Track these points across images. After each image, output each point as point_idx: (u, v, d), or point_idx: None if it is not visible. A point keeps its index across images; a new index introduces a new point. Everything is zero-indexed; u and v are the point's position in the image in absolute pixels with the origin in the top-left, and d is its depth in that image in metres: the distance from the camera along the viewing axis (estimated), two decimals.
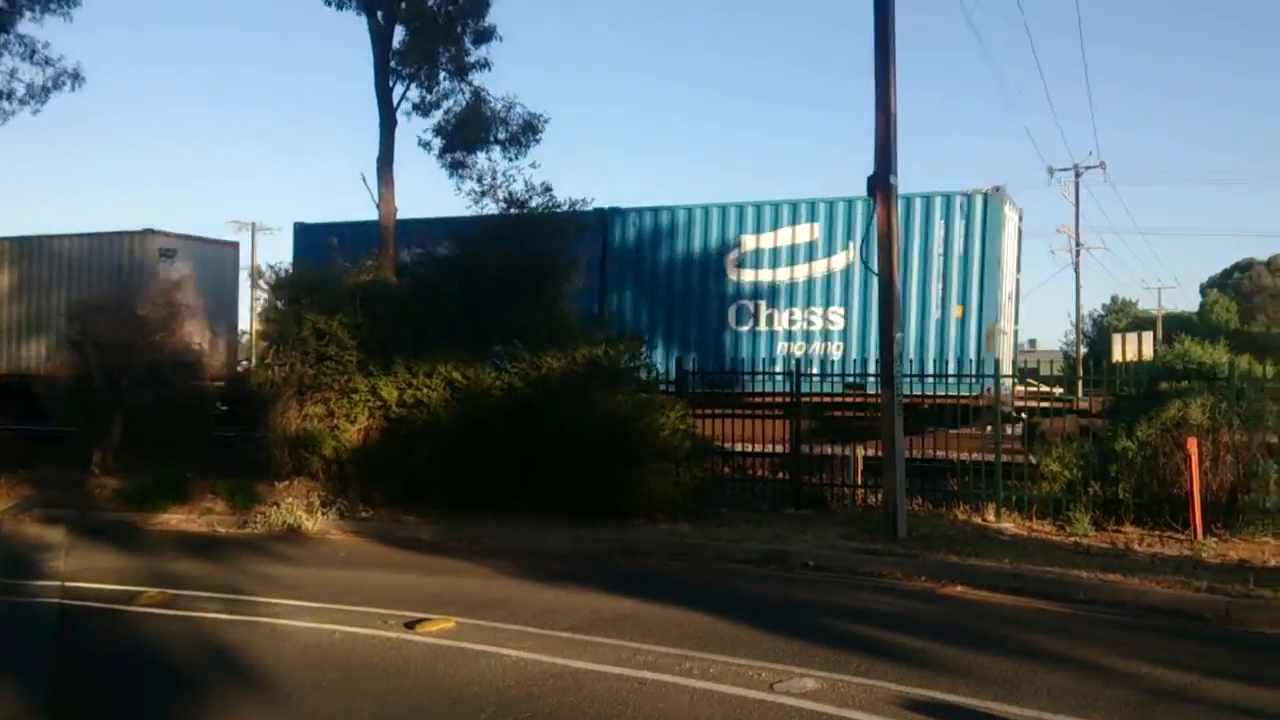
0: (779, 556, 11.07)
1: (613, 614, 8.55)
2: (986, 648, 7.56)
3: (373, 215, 16.50)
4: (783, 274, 18.24)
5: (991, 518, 12.91)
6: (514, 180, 15.39)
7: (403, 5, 16.26)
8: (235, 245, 24.87)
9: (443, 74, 16.92)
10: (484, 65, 16.97)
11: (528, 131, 17.02)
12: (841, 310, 17.91)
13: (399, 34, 16.58)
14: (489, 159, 16.73)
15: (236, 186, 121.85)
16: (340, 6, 16.56)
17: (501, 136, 16.91)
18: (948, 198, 17.41)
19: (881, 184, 12.08)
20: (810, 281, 18.10)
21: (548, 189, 15.18)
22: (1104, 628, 8.47)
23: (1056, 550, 11.20)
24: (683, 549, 11.60)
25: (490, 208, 15.36)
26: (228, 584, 9.72)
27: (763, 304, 18.32)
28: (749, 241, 18.52)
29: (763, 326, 18.30)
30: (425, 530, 12.70)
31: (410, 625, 7.99)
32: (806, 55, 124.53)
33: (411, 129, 17.31)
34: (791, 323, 18.13)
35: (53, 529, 13.07)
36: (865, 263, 12.26)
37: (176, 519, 13.65)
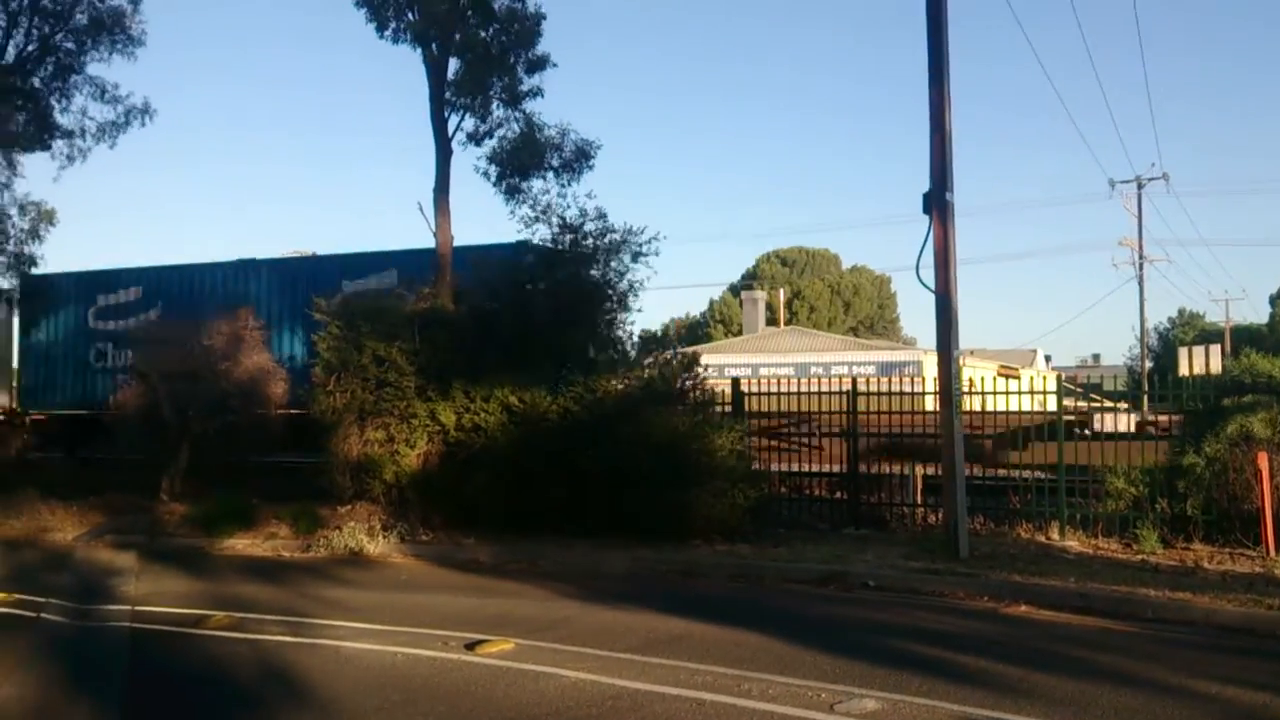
0: (838, 577, 10.98)
1: (671, 635, 8.55)
2: (1052, 668, 7.44)
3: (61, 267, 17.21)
4: None
5: (1055, 536, 12.71)
6: (568, 206, 15.54)
7: (457, 37, 16.50)
8: (11, 294, 24.78)
9: (496, 103, 17.14)
10: (536, 93, 17.17)
11: (580, 158, 17.15)
12: None
13: (453, 65, 16.85)
14: (544, 183, 16.90)
15: (294, 213, 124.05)
16: (396, 40, 16.87)
17: (555, 163, 17.05)
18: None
19: (938, 201, 12.02)
20: None
21: (601, 214, 15.28)
22: (1173, 647, 8.31)
23: (1123, 568, 10.99)
24: (740, 570, 11.56)
25: (543, 233, 15.50)
26: (292, 607, 9.87)
27: None
28: None
29: None
30: (484, 553, 12.80)
31: (470, 647, 8.06)
32: (857, 73, 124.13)
33: (467, 156, 17.53)
34: None
35: (123, 554, 13.37)
36: (920, 280, 12.17)
37: (242, 544, 13.91)
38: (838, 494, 15.09)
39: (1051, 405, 14.04)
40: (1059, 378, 14.79)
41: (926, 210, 12.13)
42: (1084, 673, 7.32)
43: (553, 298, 14.82)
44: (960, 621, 9.28)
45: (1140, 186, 44.49)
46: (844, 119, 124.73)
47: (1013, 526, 13.17)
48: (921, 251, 12.16)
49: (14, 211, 22.42)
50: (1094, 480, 13.05)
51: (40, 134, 21.77)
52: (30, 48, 21.30)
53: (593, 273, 15.08)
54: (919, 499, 14.34)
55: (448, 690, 7.00)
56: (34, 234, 22.92)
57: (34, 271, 23.37)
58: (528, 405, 13.76)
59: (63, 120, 21.90)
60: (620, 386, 14.01)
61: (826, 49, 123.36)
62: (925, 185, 12.16)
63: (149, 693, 7.35)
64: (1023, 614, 9.57)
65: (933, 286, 12.11)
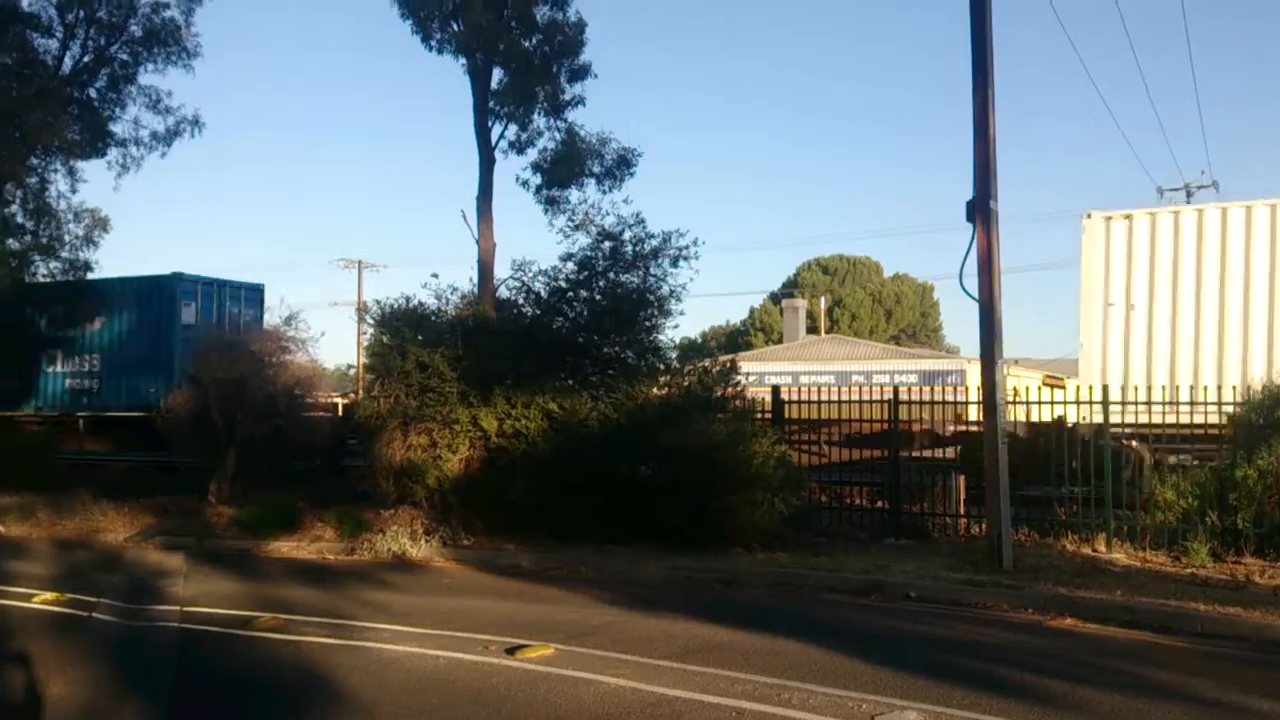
0: (879, 587, 10.92)
1: (710, 643, 8.55)
2: (1098, 682, 7.35)
3: None
4: None
5: (1102, 548, 12.54)
6: (607, 214, 15.61)
7: (501, 47, 16.68)
8: None
9: (538, 112, 17.28)
10: (578, 102, 17.31)
11: (622, 165, 17.28)
12: None
13: (496, 75, 17.01)
14: (581, 193, 17.01)
15: (340, 224, 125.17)
16: (440, 50, 17.09)
17: (596, 170, 17.18)
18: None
19: (981, 209, 11.93)
20: None
21: (640, 220, 15.32)
22: (1223, 662, 8.17)
23: (1172, 582, 10.82)
24: (780, 578, 11.52)
25: (582, 241, 15.58)
26: (336, 610, 9.97)
27: None
28: None
29: None
30: (525, 558, 12.86)
31: (511, 651, 8.10)
32: (900, 79, 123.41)
33: (508, 166, 17.71)
34: None
35: (173, 556, 13.60)
36: (964, 288, 12.09)
37: (288, 546, 14.08)
38: (879, 503, 15.01)
39: (1098, 415, 13.87)
40: (1105, 387, 14.59)
41: (970, 218, 12.03)
42: (1131, 687, 7.22)
43: (593, 305, 14.88)
44: (1004, 634, 9.19)
45: (1189, 194, 43.73)
46: (888, 126, 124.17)
47: (1058, 538, 13.01)
48: (965, 259, 12.08)
49: (70, 219, 22.97)
50: (1141, 492, 12.88)
51: (95, 142, 22.33)
52: (86, 59, 21.86)
53: (632, 279, 15.12)
54: (961, 509, 14.23)
55: (488, 695, 7.05)
56: (89, 240, 23.47)
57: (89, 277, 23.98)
58: (568, 412, 13.82)
59: (117, 129, 22.49)
60: (660, 394, 14.02)
61: (867, 55, 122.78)
62: (969, 192, 12.09)
63: (196, 693, 7.46)
64: (1068, 627, 9.46)
65: (976, 295, 12.03)
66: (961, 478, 14.28)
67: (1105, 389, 14.11)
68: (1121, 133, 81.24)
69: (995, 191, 11.98)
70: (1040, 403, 14.80)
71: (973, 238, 12.03)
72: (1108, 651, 8.53)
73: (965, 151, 12.11)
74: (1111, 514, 12.76)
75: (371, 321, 15.48)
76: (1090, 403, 14.07)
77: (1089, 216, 16.65)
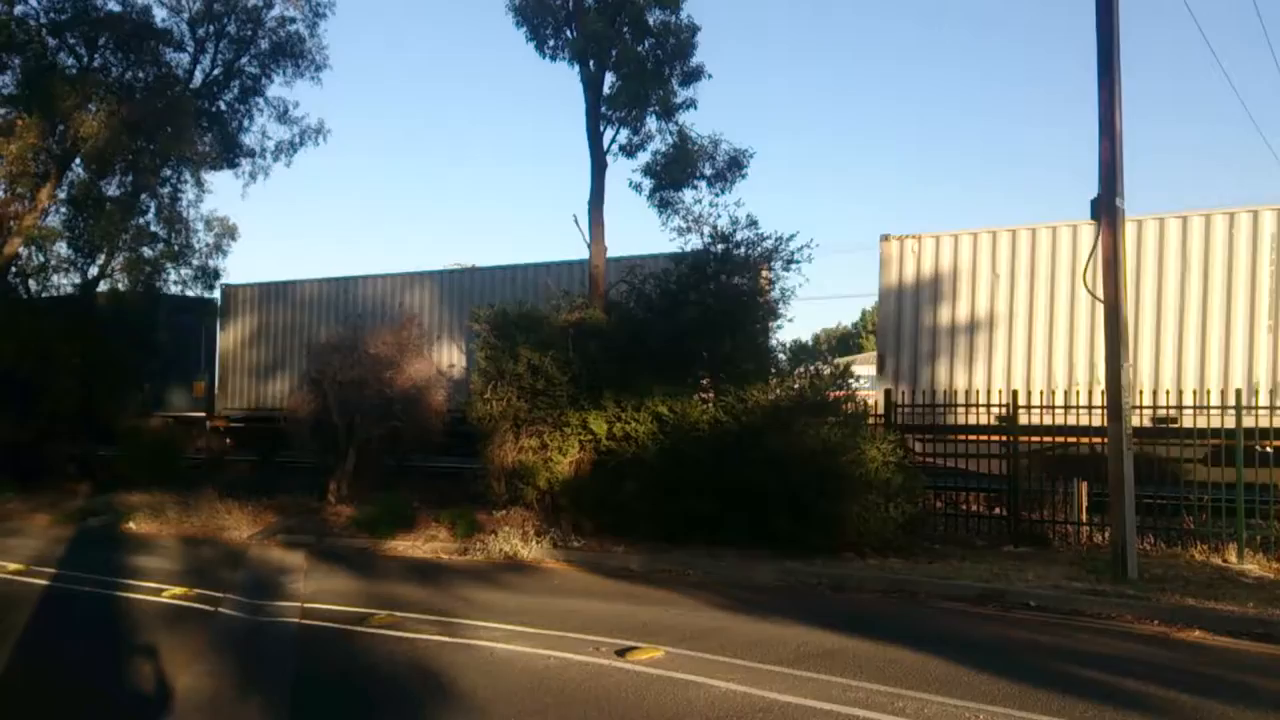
0: (996, 595, 10.65)
1: (821, 649, 8.45)
2: (1229, 697, 7.04)
3: None
4: None
5: (1233, 558, 12.01)
6: (719, 215, 15.53)
7: (614, 53, 16.75)
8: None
9: (650, 115, 17.28)
10: (690, 105, 17.25)
11: (733, 167, 17.17)
12: None
13: (608, 80, 17.09)
14: (696, 193, 16.97)
15: (451, 228, 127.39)
16: (554, 58, 17.25)
17: (708, 172, 17.10)
18: None
19: (1107, 208, 11.56)
20: None
21: (753, 222, 15.23)
22: None
23: None
24: (893, 585, 11.34)
25: (694, 242, 15.54)
26: (450, 609, 10.16)
27: None
28: None
29: None
30: (634, 560, 12.91)
31: (621, 653, 8.14)
32: (1020, 75, 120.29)
33: (619, 169, 17.78)
34: None
35: (293, 553, 14.03)
36: (1089, 289, 11.72)
37: (404, 545, 14.39)
38: (996, 509, 14.64)
39: (1230, 421, 13.28)
40: (1238, 392, 13.96)
41: (1095, 216, 11.68)
42: (1264, 703, 6.90)
43: (704, 307, 14.85)
44: (1128, 645, 8.86)
45: None
46: (1005, 123, 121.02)
47: (1185, 548, 12.51)
48: (1090, 259, 11.72)
49: (200, 227, 23.91)
50: (1276, 500, 12.30)
51: (226, 153, 23.23)
52: (216, 72, 22.76)
53: (744, 282, 15.04)
54: (1083, 516, 13.78)
55: (599, 695, 7.09)
56: (218, 248, 24.40)
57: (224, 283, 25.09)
58: (678, 415, 13.82)
59: (246, 140, 23.37)
60: (771, 397, 13.93)
61: (984, 49, 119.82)
62: (1093, 190, 11.72)
63: (316, 687, 7.67)
64: (1196, 639, 9.09)
65: (1100, 295, 11.65)
66: (1084, 484, 13.83)
67: (1239, 392, 13.51)
68: (1256, 126, 77.54)
69: (1121, 189, 11.59)
70: (1169, 407, 14.22)
71: (1097, 236, 11.66)
72: (1239, 665, 8.18)
73: (1089, 145, 11.71)
74: (1243, 523, 12.21)
75: (484, 325, 15.69)
76: (1223, 407, 13.48)
77: None
